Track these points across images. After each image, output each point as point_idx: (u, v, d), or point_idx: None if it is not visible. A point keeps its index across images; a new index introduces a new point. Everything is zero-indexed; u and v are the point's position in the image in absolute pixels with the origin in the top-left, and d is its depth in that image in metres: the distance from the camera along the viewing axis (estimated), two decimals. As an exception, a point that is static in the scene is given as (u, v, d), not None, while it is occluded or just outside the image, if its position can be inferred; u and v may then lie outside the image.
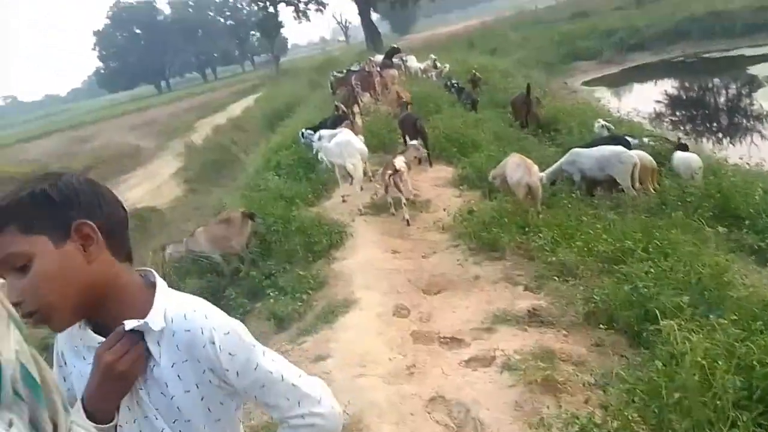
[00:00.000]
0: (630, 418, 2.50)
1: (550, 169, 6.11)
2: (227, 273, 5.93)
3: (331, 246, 5.61)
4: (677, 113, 13.92)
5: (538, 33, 27.49)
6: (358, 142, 7.06)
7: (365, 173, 7.20)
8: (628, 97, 16.53)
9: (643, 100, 14.92)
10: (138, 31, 67.23)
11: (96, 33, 66.74)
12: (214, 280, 5.82)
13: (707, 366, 2.48)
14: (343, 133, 7.25)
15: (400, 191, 5.93)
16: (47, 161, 23.28)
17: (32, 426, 0.70)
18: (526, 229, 5.03)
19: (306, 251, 5.63)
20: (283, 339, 4.35)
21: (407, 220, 5.94)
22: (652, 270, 3.72)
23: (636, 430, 2.46)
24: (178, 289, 4.50)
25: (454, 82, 12.51)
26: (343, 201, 7.01)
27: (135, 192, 15.96)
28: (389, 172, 5.99)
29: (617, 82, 18.92)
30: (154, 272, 1.15)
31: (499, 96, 12.01)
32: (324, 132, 7.85)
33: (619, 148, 5.86)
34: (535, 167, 5.59)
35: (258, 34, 57.49)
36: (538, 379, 2.98)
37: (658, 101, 14.70)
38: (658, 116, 13.10)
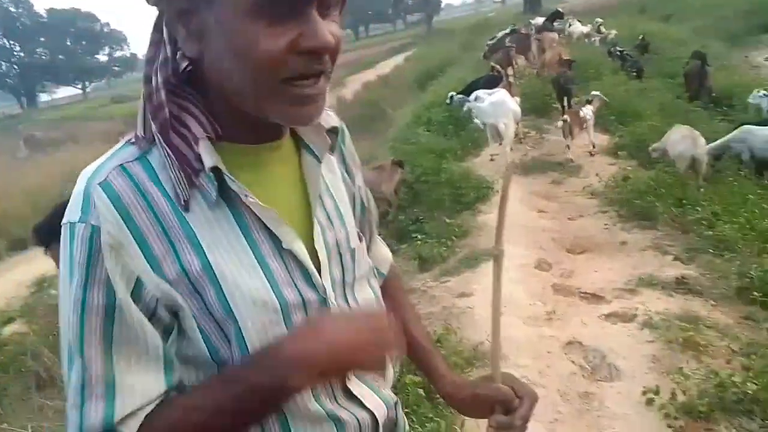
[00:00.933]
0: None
1: (715, 144, 5.77)
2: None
3: (477, 199, 5.87)
4: None
5: (721, 0, 24.68)
6: (513, 103, 7.14)
7: (516, 134, 7.28)
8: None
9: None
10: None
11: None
12: (364, 220, 6.35)
13: None
14: (499, 93, 7.36)
15: (572, 136, 6.80)
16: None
17: None
18: (683, 201, 4.88)
19: (453, 202, 5.94)
20: (427, 277, 4.73)
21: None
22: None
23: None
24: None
25: (618, 49, 11.88)
26: (491, 160, 7.18)
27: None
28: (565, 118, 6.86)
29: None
30: None
31: (670, 66, 11.19)
32: (480, 92, 8.00)
33: None
34: (702, 140, 5.33)
35: (414, -7, 57.67)
36: (679, 339, 3.04)
37: None
38: None
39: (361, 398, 0.87)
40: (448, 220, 5.52)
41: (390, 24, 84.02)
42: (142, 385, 0.72)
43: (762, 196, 4.87)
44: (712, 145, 5.69)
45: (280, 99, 0.72)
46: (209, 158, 0.73)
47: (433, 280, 4.62)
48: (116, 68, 65.70)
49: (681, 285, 3.73)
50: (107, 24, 63.97)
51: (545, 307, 3.73)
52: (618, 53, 11.59)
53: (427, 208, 6.02)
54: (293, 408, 0.79)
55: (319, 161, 0.85)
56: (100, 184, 0.71)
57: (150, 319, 0.72)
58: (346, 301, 0.87)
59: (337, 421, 0.84)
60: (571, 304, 3.76)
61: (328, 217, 0.87)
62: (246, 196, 0.74)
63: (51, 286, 6.05)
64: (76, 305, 0.70)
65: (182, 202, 0.73)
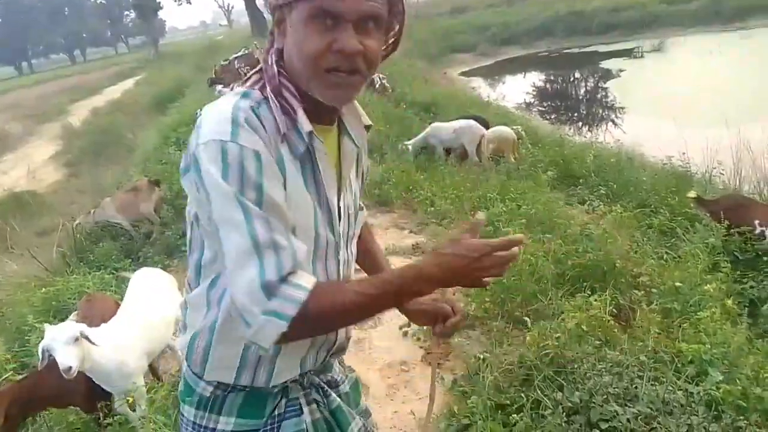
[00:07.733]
0: (483, 300, 3.49)
1: (416, 138, 7.23)
2: (138, 237, 6.29)
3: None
4: (536, 100, 15.81)
5: (420, 26, 29.05)
6: None
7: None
8: (500, 86, 18.41)
9: (508, 88, 16.82)
10: (-4, 7, 60.91)
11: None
12: (128, 243, 6.17)
13: (534, 260, 3.54)
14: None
15: None
16: None
17: None
18: (410, 188, 5.99)
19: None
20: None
21: None
22: (505, 209, 4.81)
23: (487, 307, 3.46)
24: (92, 252, 5.08)
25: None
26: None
27: (9, 177, 14.99)
28: None
29: (491, 74, 20.80)
30: None
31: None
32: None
33: (472, 122, 7.06)
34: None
35: (133, 15, 54.48)
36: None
37: (525, 92, 16.53)
38: (528, 106, 14.85)
39: None
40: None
41: (110, 48, 77.99)
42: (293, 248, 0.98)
43: (464, 177, 6.25)
44: (414, 140, 7.12)
45: (321, 82, 1.02)
46: (307, 124, 1.05)
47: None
48: None
49: (416, 249, 4.71)
50: None
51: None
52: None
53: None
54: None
55: (357, 146, 1.21)
56: (245, 118, 0.98)
57: None
58: (347, 249, 1.23)
59: None
60: (337, 279, 4.42)
61: (349, 185, 1.22)
62: (325, 154, 1.08)
63: None
64: (234, 195, 0.95)
65: (281, 134, 1.03)
